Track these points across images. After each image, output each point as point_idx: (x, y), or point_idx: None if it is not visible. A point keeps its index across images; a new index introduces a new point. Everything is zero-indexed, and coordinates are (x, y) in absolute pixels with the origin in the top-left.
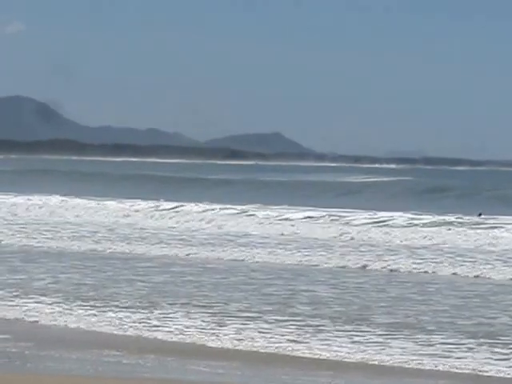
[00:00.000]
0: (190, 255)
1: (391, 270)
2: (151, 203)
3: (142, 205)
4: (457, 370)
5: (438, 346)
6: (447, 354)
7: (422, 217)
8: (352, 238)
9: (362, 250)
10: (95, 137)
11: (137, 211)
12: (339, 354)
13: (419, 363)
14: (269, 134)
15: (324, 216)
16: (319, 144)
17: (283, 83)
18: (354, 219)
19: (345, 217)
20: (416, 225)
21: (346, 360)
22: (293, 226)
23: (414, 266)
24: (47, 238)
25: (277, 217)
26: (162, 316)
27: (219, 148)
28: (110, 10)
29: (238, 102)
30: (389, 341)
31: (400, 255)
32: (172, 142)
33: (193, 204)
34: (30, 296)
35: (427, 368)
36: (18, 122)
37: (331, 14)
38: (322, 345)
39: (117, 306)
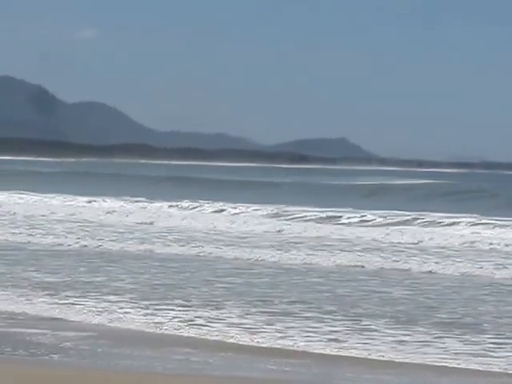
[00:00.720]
0: (261, 257)
1: (462, 274)
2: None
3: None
4: (490, 369)
5: (481, 345)
6: (487, 353)
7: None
8: (414, 240)
9: (429, 251)
10: (164, 141)
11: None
12: (373, 352)
13: (455, 362)
14: (334, 139)
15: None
16: (383, 149)
17: (351, 89)
18: (401, 220)
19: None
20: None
21: (372, 358)
22: (346, 228)
23: (481, 267)
24: (125, 241)
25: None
26: (231, 316)
27: (285, 152)
28: (176, 14)
29: (304, 108)
30: (434, 340)
31: (466, 257)
32: (239, 146)
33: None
34: (105, 295)
35: (457, 366)
36: (89, 125)
37: (400, 18)
38: (360, 344)
39: (188, 306)
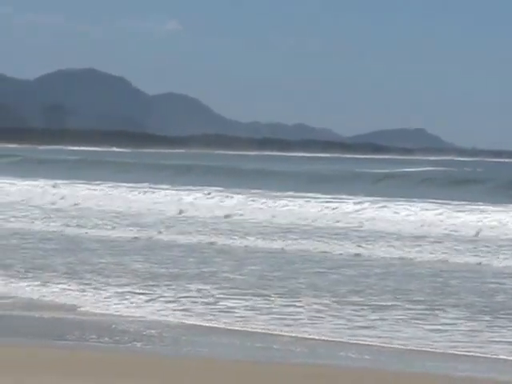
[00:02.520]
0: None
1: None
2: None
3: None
4: (502, 357)
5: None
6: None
7: None
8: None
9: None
10: (244, 132)
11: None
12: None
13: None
14: (411, 130)
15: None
16: (463, 139)
17: (428, 80)
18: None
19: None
20: None
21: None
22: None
23: None
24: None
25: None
26: (319, 308)
27: (363, 143)
28: (255, 9)
29: (383, 99)
30: (466, 328)
31: None
32: (319, 137)
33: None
34: (199, 285)
35: (471, 354)
36: (171, 116)
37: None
38: (387, 331)
39: (282, 297)
